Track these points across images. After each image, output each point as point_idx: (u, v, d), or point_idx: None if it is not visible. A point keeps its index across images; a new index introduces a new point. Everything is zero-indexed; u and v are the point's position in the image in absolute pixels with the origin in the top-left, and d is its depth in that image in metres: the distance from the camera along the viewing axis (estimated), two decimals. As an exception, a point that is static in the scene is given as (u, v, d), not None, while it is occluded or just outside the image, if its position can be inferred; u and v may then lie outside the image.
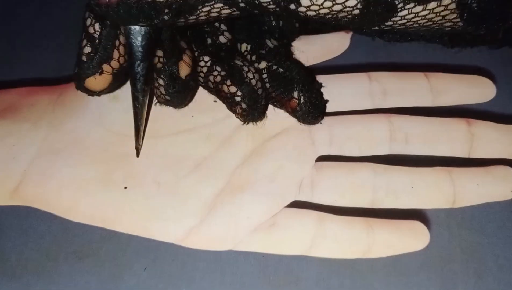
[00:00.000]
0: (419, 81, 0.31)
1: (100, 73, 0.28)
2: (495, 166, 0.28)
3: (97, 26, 0.27)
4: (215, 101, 0.31)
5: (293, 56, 0.32)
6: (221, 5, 0.25)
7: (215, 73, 0.29)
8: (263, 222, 0.27)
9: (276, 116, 0.30)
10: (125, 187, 0.28)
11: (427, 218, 0.27)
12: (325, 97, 0.30)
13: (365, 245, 0.25)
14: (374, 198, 0.27)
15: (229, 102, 0.29)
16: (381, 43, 0.34)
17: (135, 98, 0.28)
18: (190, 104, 0.31)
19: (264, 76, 0.29)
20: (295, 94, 0.28)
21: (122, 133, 0.30)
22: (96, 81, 0.28)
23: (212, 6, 0.25)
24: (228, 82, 0.28)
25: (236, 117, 0.29)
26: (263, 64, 0.30)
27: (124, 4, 0.24)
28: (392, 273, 0.25)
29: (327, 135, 0.29)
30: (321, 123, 0.30)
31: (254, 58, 0.30)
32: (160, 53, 0.28)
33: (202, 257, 0.26)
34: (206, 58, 0.29)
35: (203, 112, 0.30)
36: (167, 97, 0.29)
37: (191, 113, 0.30)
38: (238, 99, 0.28)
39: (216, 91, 0.30)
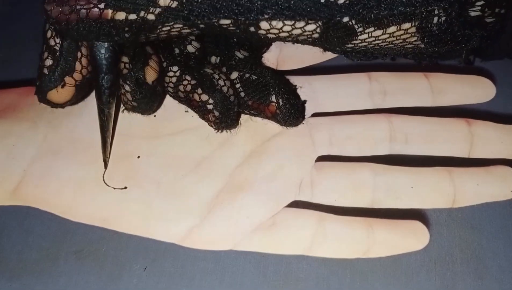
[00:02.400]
0: (419, 81, 0.31)
1: (63, 86, 0.27)
2: (495, 166, 0.28)
3: (58, 38, 0.27)
4: (186, 111, 0.30)
5: (263, 64, 0.32)
6: (180, 25, 0.24)
7: (185, 82, 0.29)
8: (263, 222, 0.27)
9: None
10: (125, 187, 0.28)
11: (427, 218, 0.27)
12: (325, 97, 0.30)
13: (365, 245, 0.25)
14: (374, 198, 0.27)
15: (201, 110, 0.28)
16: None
17: (100, 111, 0.27)
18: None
19: (238, 86, 0.29)
20: (273, 97, 0.28)
21: (122, 133, 0.30)
22: (58, 94, 0.27)
23: (171, 26, 0.25)
24: (199, 91, 0.28)
25: (209, 125, 0.29)
26: (234, 74, 0.29)
27: (83, 22, 0.24)
28: (392, 273, 0.25)
29: (327, 135, 0.29)
30: (303, 123, 0.29)
31: (224, 69, 0.30)
32: (125, 59, 0.27)
33: (202, 257, 0.26)
34: (175, 68, 0.29)
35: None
36: (134, 103, 0.28)
37: (191, 113, 0.30)
38: (210, 107, 0.28)
39: (187, 100, 0.29)
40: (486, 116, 0.29)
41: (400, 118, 0.30)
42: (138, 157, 0.29)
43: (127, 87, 0.28)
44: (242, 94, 0.29)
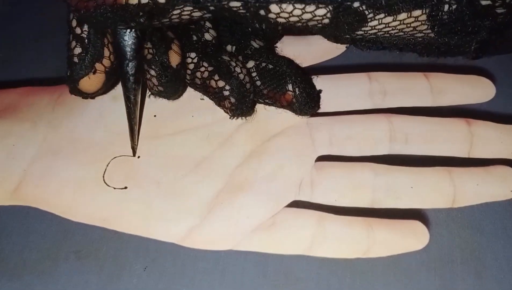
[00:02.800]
0: (419, 81, 0.31)
1: (94, 72, 0.28)
2: (495, 166, 0.28)
3: (84, 26, 0.27)
4: (202, 99, 0.31)
5: (279, 54, 0.32)
6: (191, 8, 0.25)
7: (202, 69, 0.29)
8: (263, 222, 0.27)
9: (275, 116, 0.30)
10: (125, 187, 0.28)
11: (427, 218, 0.27)
12: (325, 97, 0.30)
13: (365, 245, 0.25)
14: (374, 198, 0.27)
15: (217, 97, 0.29)
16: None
17: (126, 98, 0.28)
18: (190, 104, 0.31)
19: (254, 74, 0.29)
20: (289, 86, 0.28)
21: (122, 133, 0.30)
22: (90, 82, 0.28)
23: (182, 9, 0.25)
24: (216, 77, 0.28)
25: (225, 112, 0.29)
26: (250, 64, 0.30)
27: (100, 9, 0.24)
28: (392, 273, 0.25)
29: (327, 135, 0.29)
30: (317, 111, 0.30)
31: (240, 58, 0.30)
32: (148, 44, 0.28)
33: (202, 257, 0.26)
34: (193, 55, 0.29)
35: (203, 112, 0.30)
36: (160, 88, 0.29)
37: (191, 113, 0.30)
38: (226, 93, 0.28)
39: (204, 87, 0.29)
40: (486, 116, 0.29)
41: (400, 118, 0.30)
42: (138, 157, 0.29)
43: (152, 72, 0.28)
44: (258, 83, 0.29)
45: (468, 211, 0.27)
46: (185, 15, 0.25)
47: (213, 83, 0.28)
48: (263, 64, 0.29)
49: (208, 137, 0.30)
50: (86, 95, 0.29)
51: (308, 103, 0.29)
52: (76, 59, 0.27)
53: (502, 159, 0.28)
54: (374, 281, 0.25)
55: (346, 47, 0.33)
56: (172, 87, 0.29)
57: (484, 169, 0.28)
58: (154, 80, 0.28)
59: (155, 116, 0.30)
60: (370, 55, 0.34)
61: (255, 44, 0.31)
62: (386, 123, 0.29)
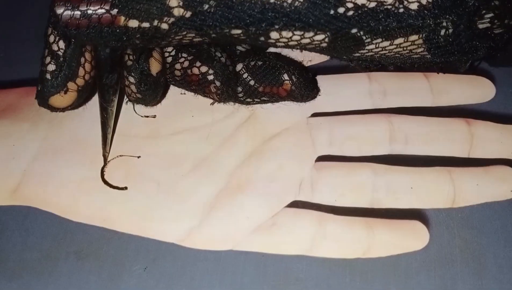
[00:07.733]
0: (419, 81, 0.31)
1: (65, 92, 0.27)
2: (495, 166, 0.28)
3: (61, 43, 0.26)
4: (183, 94, 0.30)
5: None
6: (193, 34, 0.25)
7: (182, 59, 0.28)
8: (263, 222, 0.27)
9: (276, 116, 0.30)
10: (125, 187, 0.28)
11: (427, 218, 0.27)
12: (325, 97, 0.30)
13: (365, 245, 0.25)
14: (374, 198, 0.27)
15: (201, 83, 0.28)
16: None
17: (103, 109, 0.28)
18: (190, 104, 0.31)
19: (245, 75, 0.29)
20: (285, 76, 0.28)
21: (122, 133, 0.30)
22: (60, 99, 0.27)
23: (184, 35, 0.25)
24: (198, 63, 0.28)
25: (211, 97, 0.29)
26: (239, 66, 0.29)
27: (94, 27, 0.24)
28: (392, 273, 0.25)
29: (327, 135, 0.29)
30: (319, 95, 0.30)
31: (228, 62, 0.29)
32: (129, 50, 0.27)
33: (202, 257, 0.26)
34: (169, 48, 0.29)
35: (203, 112, 0.30)
36: (138, 95, 0.28)
37: (191, 113, 0.30)
38: (210, 78, 0.28)
39: (185, 78, 0.29)
40: (486, 116, 0.29)
41: (400, 118, 0.29)
42: (138, 157, 0.29)
43: (131, 79, 0.27)
44: (252, 82, 0.29)
45: (468, 211, 0.27)
46: (186, 40, 0.25)
47: (195, 70, 0.28)
48: (252, 63, 0.29)
49: (208, 137, 0.30)
50: (55, 110, 0.28)
51: (307, 87, 0.29)
52: (48, 76, 0.26)
53: (502, 159, 0.28)
54: (374, 281, 0.25)
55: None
56: (151, 95, 0.28)
57: (484, 169, 0.28)
58: (133, 87, 0.28)
59: (155, 116, 0.30)
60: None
61: (241, 48, 0.30)
62: (386, 123, 0.29)
